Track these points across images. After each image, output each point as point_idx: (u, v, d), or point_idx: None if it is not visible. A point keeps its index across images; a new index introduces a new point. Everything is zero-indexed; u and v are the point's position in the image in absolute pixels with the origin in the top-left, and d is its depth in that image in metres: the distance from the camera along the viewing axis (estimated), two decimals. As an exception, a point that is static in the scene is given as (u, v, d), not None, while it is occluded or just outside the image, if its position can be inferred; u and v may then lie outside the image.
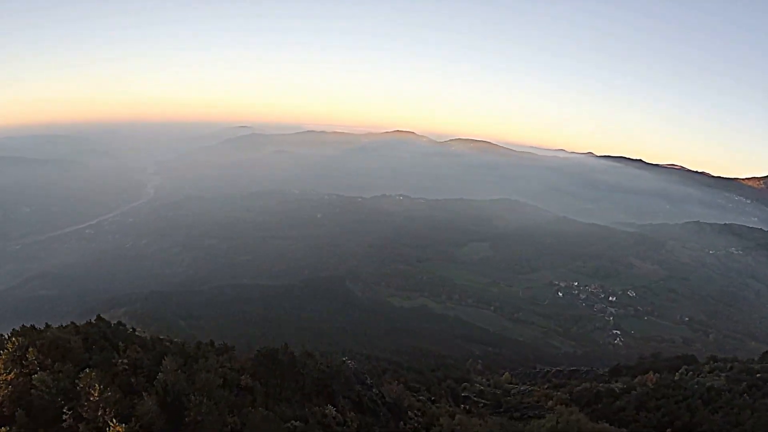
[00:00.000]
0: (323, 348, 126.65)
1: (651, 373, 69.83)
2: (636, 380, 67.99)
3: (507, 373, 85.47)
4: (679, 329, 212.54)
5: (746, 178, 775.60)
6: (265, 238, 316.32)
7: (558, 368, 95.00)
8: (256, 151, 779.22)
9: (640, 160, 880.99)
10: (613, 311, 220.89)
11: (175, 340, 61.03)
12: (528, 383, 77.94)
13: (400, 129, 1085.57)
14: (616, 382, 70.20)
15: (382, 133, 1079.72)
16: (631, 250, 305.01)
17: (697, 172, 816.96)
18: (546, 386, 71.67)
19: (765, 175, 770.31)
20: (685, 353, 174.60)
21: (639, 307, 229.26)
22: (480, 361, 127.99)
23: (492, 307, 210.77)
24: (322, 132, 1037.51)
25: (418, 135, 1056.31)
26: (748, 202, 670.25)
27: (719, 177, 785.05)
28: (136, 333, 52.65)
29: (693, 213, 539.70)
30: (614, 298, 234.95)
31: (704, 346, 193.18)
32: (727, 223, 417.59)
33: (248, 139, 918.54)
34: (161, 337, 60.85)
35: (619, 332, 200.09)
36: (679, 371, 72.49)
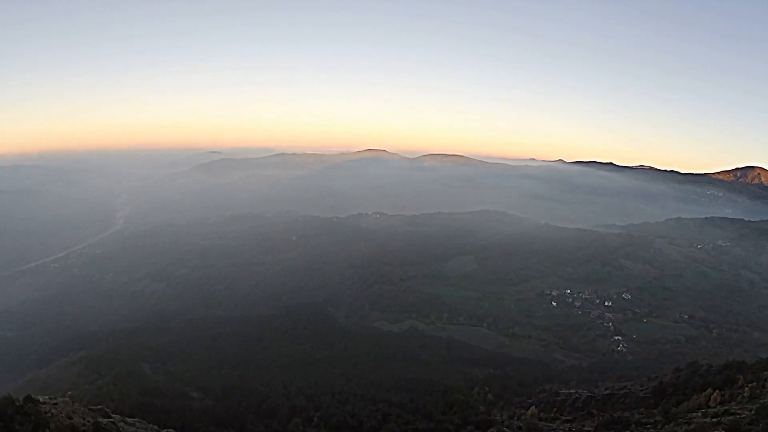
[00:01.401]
0: (309, 390, 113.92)
1: (713, 391, 58.15)
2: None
3: (533, 407, 72.94)
4: (681, 328, 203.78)
5: (716, 173, 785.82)
6: (239, 264, 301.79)
7: (589, 393, 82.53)
8: (228, 175, 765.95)
9: (611, 164, 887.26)
10: (611, 316, 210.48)
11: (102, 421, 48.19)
12: (562, 417, 65.70)
13: (371, 147, 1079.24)
14: (675, 407, 57.43)
15: (354, 152, 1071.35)
16: (620, 251, 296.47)
17: (666, 170, 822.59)
18: (589, 422, 58.78)
19: (734, 168, 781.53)
20: (693, 352, 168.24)
21: (637, 310, 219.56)
22: (487, 387, 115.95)
23: (485, 324, 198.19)
24: (294, 154, 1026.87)
25: (390, 153, 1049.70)
26: (721, 195, 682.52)
27: (689, 173, 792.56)
28: (49, 413, 41.33)
29: (670, 209, 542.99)
30: (610, 303, 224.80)
31: (709, 343, 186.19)
32: (707, 216, 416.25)
33: (219, 163, 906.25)
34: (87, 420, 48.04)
35: (620, 338, 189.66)
36: (740, 386, 60.90)
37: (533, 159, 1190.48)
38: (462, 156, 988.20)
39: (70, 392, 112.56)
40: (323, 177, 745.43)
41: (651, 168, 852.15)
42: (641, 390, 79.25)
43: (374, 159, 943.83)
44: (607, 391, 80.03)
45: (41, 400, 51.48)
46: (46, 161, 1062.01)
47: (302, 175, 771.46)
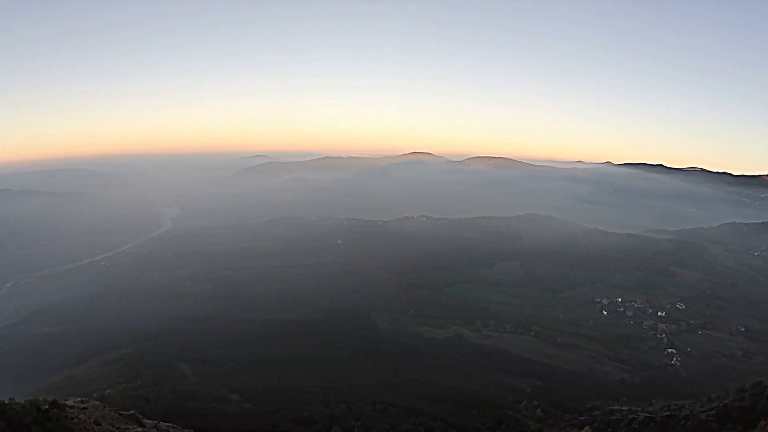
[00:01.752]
0: (350, 398, 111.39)
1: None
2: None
3: (587, 428, 68.87)
4: (736, 341, 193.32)
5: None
6: (283, 267, 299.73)
7: (646, 413, 77.69)
8: (273, 179, 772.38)
9: (661, 165, 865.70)
10: (665, 327, 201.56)
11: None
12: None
13: (416, 150, 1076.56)
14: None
15: (399, 155, 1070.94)
16: (672, 258, 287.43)
17: (718, 172, 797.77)
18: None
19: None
20: (749, 368, 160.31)
21: (691, 321, 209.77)
22: (536, 402, 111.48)
23: (532, 332, 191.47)
24: (339, 157, 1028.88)
25: (434, 156, 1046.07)
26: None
27: (742, 175, 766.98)
28: (76, 419, 39.91)
29: (723, 214, 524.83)
30: (663, 313, 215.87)
31: (766, 359, 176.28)
32: (764, 221, 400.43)
33: (264, 167, 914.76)
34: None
35: (674, 351, 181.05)
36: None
37: (580, 161, 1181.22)
38: (507, 158, 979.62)
39: (108, 390, 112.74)
40: (368, 180, 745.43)
41: (702, 170, 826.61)
42: (702, 411, 74.15)
43: (419, 162, 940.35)
44: (667, 413, 74.92)
45: (70, 403, 50.12)
46: (95, 165, 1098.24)
47: (346, 178, 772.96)
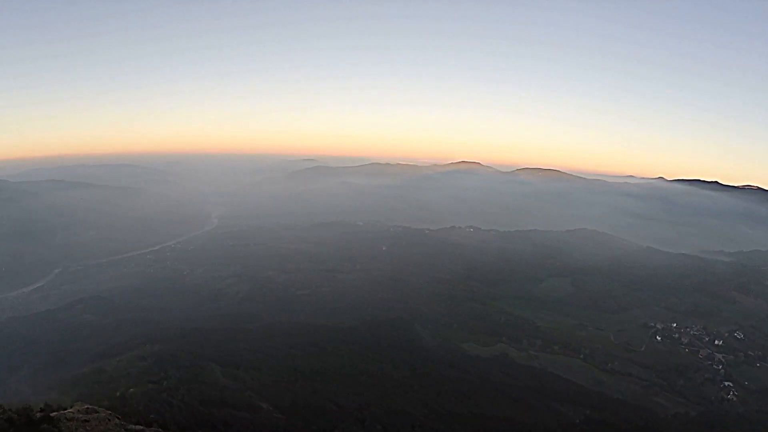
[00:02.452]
0: (387, 418, 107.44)
1: None
2: None
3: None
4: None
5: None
6: (325, 271, 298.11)
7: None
8: (321, 182, 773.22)
9: (716, 182, 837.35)
10: (722, 358, 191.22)
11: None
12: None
13: (465, 160, 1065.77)
14: None
15: (448, 164, 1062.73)
16: (732, 282, 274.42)
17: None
18: None
19: None
20: None
21: (750, 352, 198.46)
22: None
23: (581, 355, 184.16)
24: (387, 164, 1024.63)
25: (483, 165, 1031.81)
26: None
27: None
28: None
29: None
30: (720, 342, 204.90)
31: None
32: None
33: (313, 171, 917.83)
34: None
35: (731, 384, 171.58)
36: None
37: (631, 176, 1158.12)
38: (557, 170, 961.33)
39: (132, 389, 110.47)
40: (415, 187, 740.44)
41: (759, 188, 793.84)
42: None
43: (467, 171, 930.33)
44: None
45: (73, 412, 47.23)
46: (148, 162, 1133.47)
47: (394, 184, 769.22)
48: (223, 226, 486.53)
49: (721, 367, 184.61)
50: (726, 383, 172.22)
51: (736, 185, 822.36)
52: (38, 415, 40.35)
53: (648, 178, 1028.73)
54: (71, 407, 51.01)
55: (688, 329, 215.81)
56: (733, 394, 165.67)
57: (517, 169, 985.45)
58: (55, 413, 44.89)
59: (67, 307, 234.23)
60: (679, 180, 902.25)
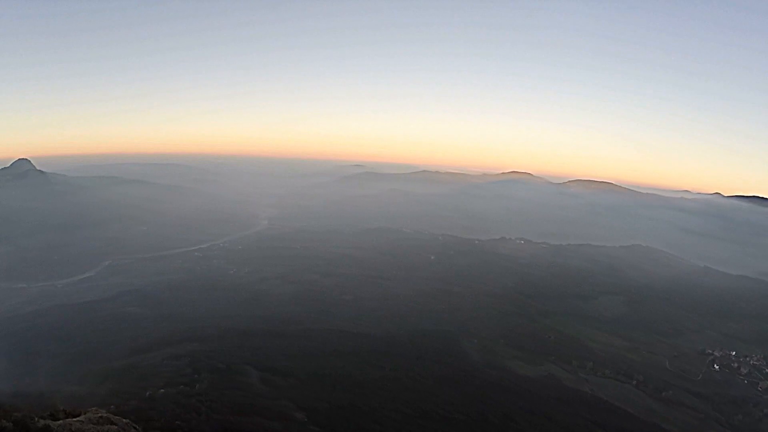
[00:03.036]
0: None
1: None
2: None
3: None
4: None
5: None
6: (372, 278, 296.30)
7: None
8: (371, 189, 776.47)
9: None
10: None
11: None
12: None
13: (515, 170, 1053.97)
14: None
15: (498, 173, 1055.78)
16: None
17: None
18: None
19: None
20: None
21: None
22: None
23: (634, 381, 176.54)
24: (436, 172, 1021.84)
25: (534, 176, 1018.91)
26: None
27: None
28: None
29: None
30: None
31: None
32: None
33: (363, 177, 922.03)
34: None
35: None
36: None
37: (687, 191, 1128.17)
38: (609, 183, 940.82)
39: (162, 390, 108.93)
40: (465, 197, 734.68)
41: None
42: None
43: (518, 181, 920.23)
44: None
45: (82, 422, 45.11)
46: (200, 162, 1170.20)
47: (444, 193, 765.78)
48: (272, 227, 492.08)
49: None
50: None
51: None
52: (40, 422, 38.66)
53: (704, 194, 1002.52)
54: (84, 413, 49.36)
55: (747, 358, 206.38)
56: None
57: (569, 181, 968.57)
58: (60, 421, 43.08)
59: (112, 299, 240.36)
60: (737, 196, 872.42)
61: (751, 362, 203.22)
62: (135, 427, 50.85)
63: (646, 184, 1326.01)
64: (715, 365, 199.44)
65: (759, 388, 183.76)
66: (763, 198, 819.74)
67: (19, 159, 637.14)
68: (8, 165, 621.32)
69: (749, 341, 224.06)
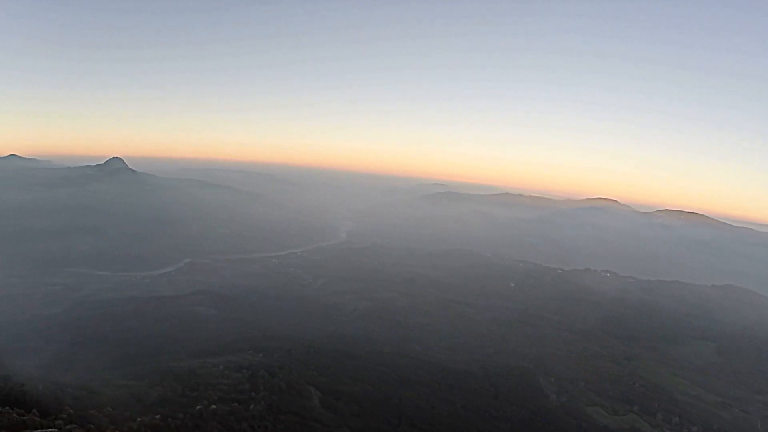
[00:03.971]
0: None
1: None
2: None
3: None
4: None
5: None
6: (447, 301, 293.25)
7: None
8: (451, 209, 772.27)
9: None
10: None
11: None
12: None
13: (600, 196, 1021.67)
14: None
15: (582, 199, 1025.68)
16: None
17: None
18: None
19: None
20: None
21: None
22: None
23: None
24: (519, 194, 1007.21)
25: (620, 204, 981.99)
26: None
27: None
28: None
29: None
30: None
31: None
32: None
33: (444, 196, 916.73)
34: None
35: None
36: None
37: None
38: (701, 215, 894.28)
39: (214, 406, 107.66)
40: (548, 223, 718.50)
41: None
42: None
43: (603, 209, 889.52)
44: None
45: None
46: (283, 172, 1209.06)
47: (526, 218, 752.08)
48: (351, 241, 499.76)
49: None
50: None
51: None
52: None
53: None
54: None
55: None
56: None
57: (658, 210, 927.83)
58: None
59: (185, 296, 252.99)
60: None
61: None
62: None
63: (739, 216, 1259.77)
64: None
65: None
66: None
67: (113, 157, 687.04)
68: (102, 162, 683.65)
69: None
